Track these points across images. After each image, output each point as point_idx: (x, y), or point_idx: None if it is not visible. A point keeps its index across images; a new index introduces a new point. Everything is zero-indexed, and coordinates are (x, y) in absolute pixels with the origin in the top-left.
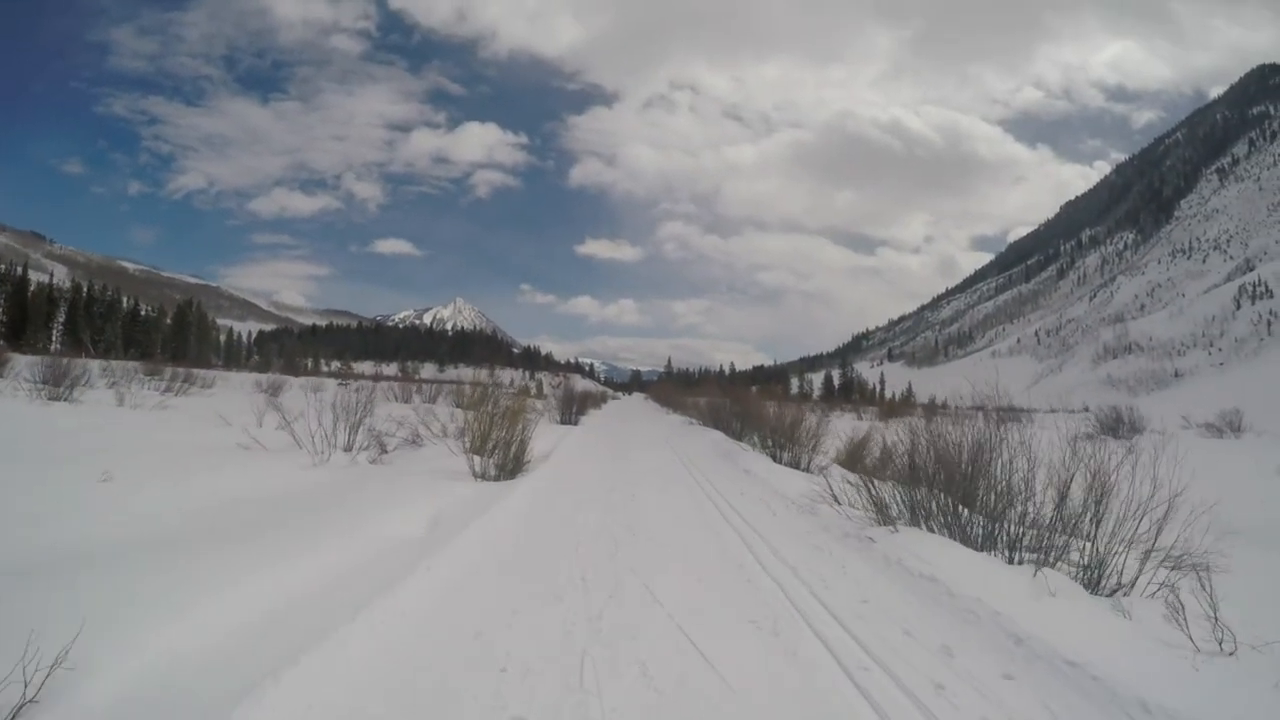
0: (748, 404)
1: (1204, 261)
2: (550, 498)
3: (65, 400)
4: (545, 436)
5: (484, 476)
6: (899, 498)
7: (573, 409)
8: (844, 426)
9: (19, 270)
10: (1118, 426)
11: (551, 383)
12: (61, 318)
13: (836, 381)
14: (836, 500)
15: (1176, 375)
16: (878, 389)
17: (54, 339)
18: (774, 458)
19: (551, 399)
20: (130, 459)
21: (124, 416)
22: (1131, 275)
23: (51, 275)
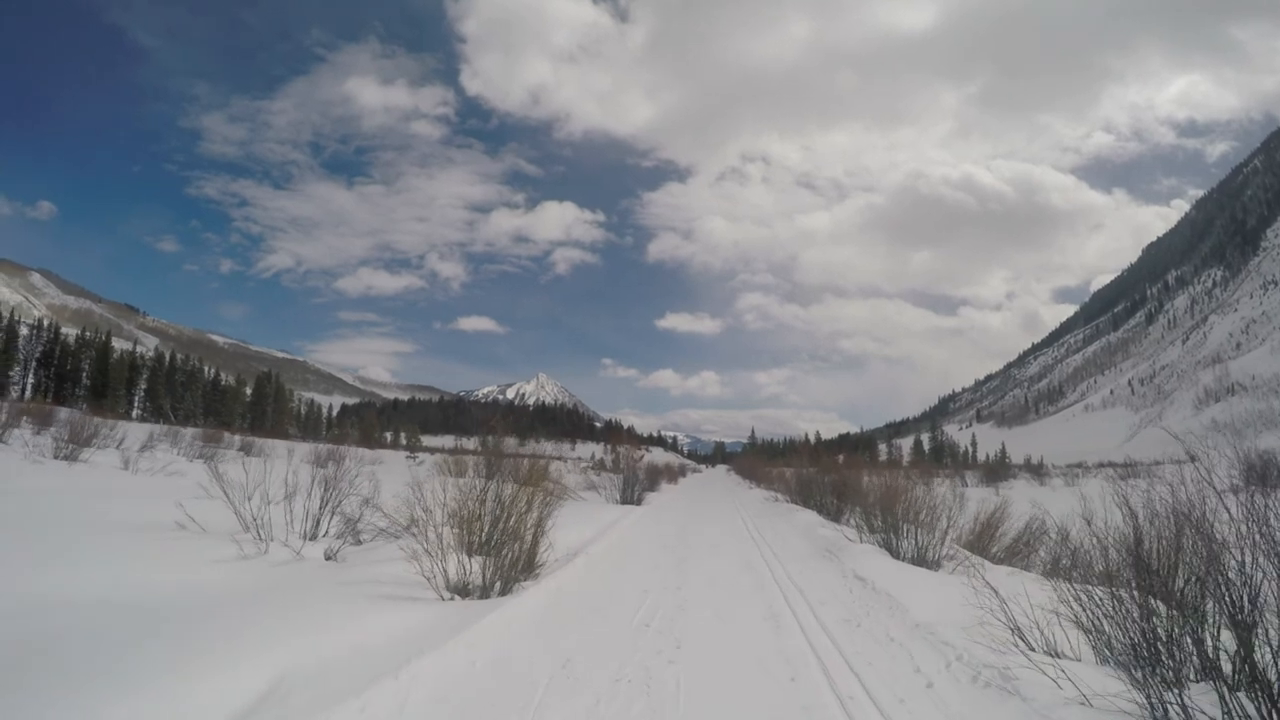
0: (842, 473)
1: None
2: (549, 634)
3: (66, 459)
4: (591, 520)
5: (461, 590)
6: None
7: (634, 487)
8: (947, 494)
9: (102, 337)
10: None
11: (634, 455)
12: (144, 385)
13: (926, 445)
14: (1027, 642)
15: None
16: (969, 451)
17: (135, 404)
18: (889, 549)
19: (608, 475)
20: (33, 535)
21: (110, 480)
22: (1224, 313)
23: (135, 344)
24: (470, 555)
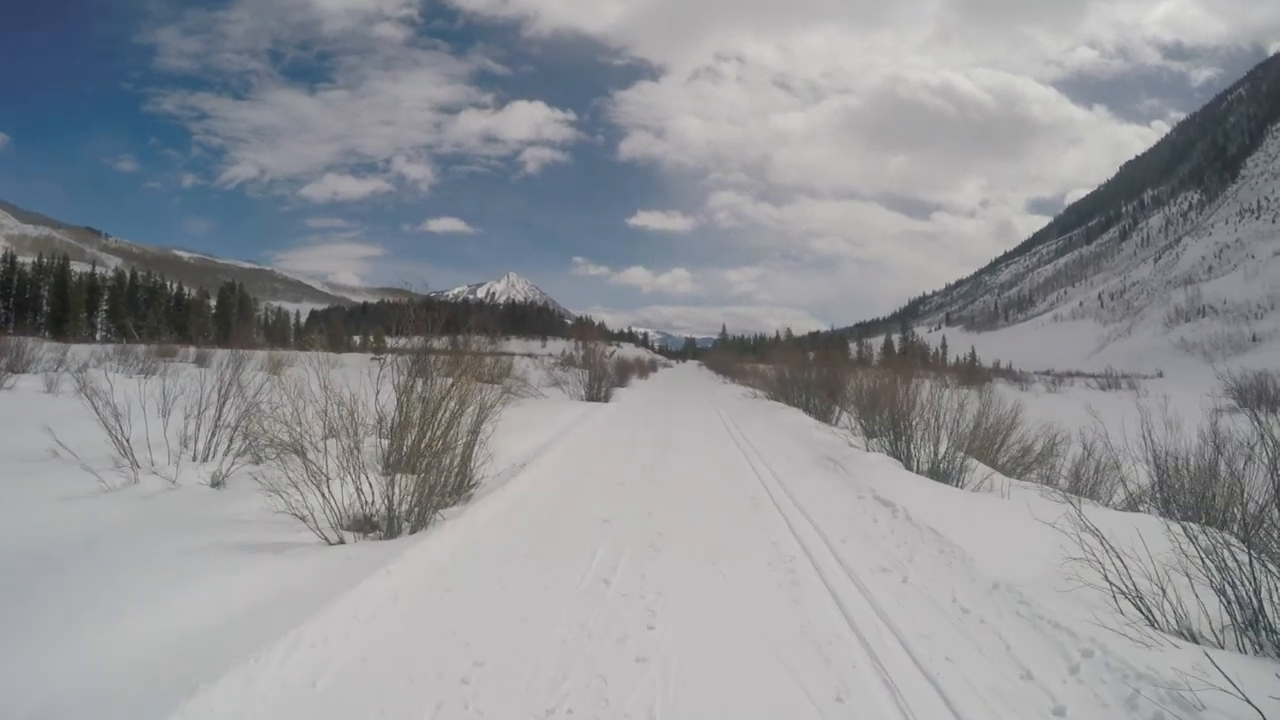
0: (835, 368)
1: (1274, 222)
2: (457, 606)
3: None
4: (550, 421)
5: (362, 526)
6: None
7: (601, 383)
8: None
9: (60, 262)
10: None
11: (603, 350)
12: (105, 307)
13: (897, 346)
14: (1148, 614)
15: (1255, 339)
16: (939, 353)
17: (98, 327)
18: (900, 459)
19: (576, 371)
20: None
21: (18, 405)
22: (1198, 236)
23: (94, 266)
24: (391, 475)
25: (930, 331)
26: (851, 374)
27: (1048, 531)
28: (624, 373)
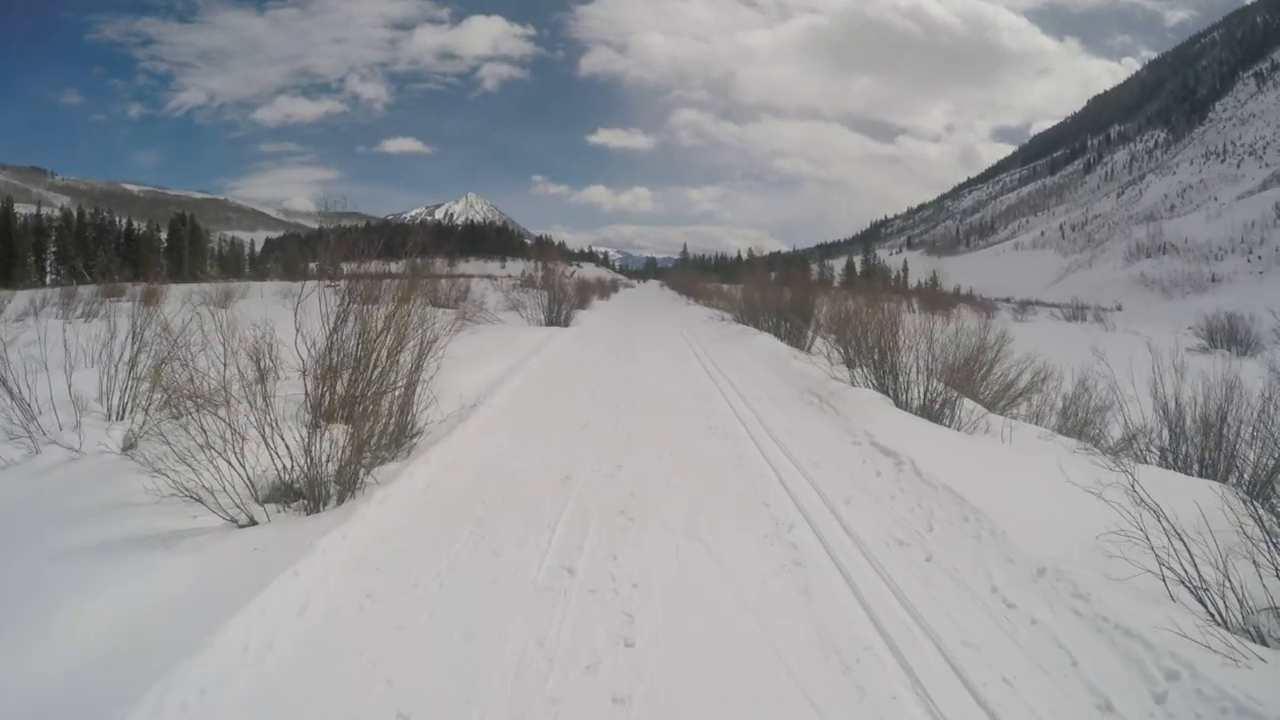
0: (810, 291)
1: (1238, 166)
2: (383, 618)
3: None
4: (507, 350)
5: (282, 495)
6: None
7: (561, 306)
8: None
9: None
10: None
11: (563, 271)
12: (53, 248)
13: (859, 267)
14: (1213, 610)
15: (1214, 280)
16: (901, 276)
17: (47, 269)
18: (886, 393)
19: (536, 293)
20: None
21: None
22: (1162, 174)
23: (39, 207)
24: (317, 428)
25: (891, 255)
26: (825, 297)
27: (1074, 489)
28: (584, 294)
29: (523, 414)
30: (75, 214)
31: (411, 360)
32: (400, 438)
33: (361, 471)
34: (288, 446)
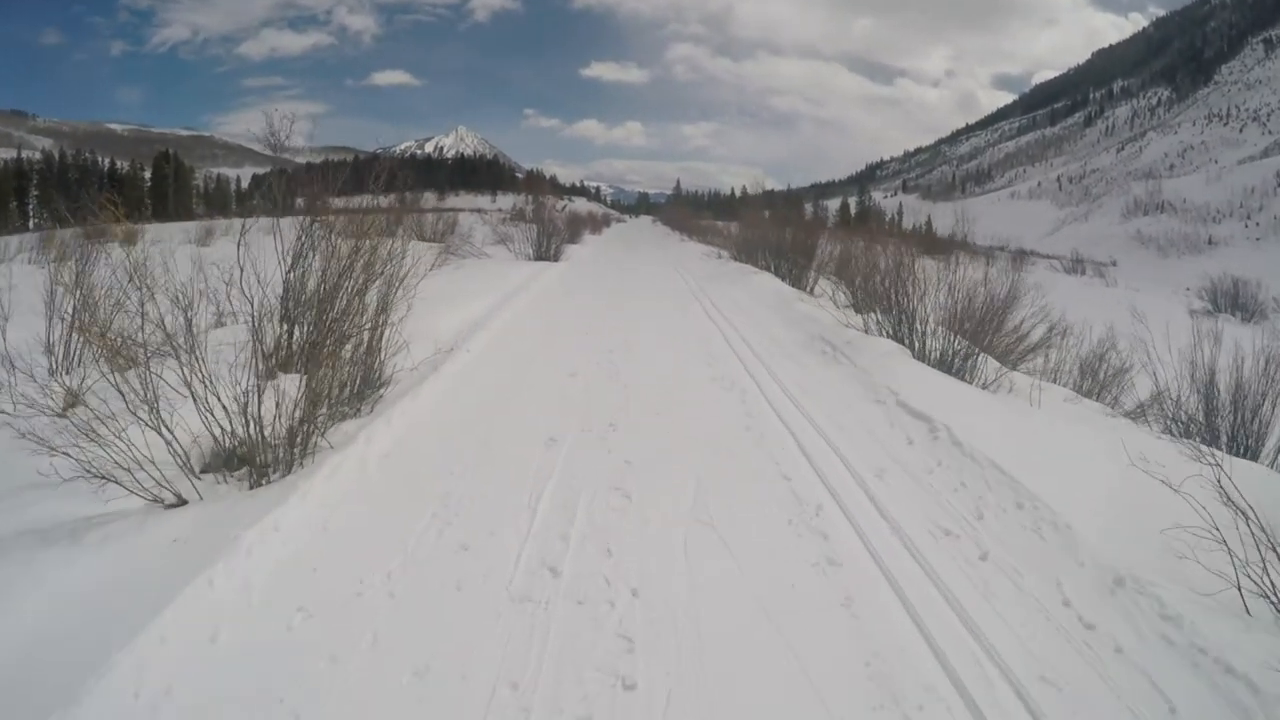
0: (814, 234)
1: (1240, 131)
2: (335, 636)
3: None
4: (491, 287)
5: (223, 463)
6: None
7: (551, 240)
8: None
9: None
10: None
11: (554, 204)
12: (35, 192)
13: (854, 209)
14: None
15: (1210, 242)
16: (895, 219)
17: (30, 214)
18: (908, 346)
19: (525, 227)
20: None
21: None
22: (1163, 133)
23: (19, 151)
24: (267, 381)
25: (887, 197)
26: (827, 237)
27: (1126, 468)
28: (576, 228)
29: (504, 360)
30: (57, 156)
31: (379, 300)
32: (364, 391)
33: (316, 434)
34: (224, 406)
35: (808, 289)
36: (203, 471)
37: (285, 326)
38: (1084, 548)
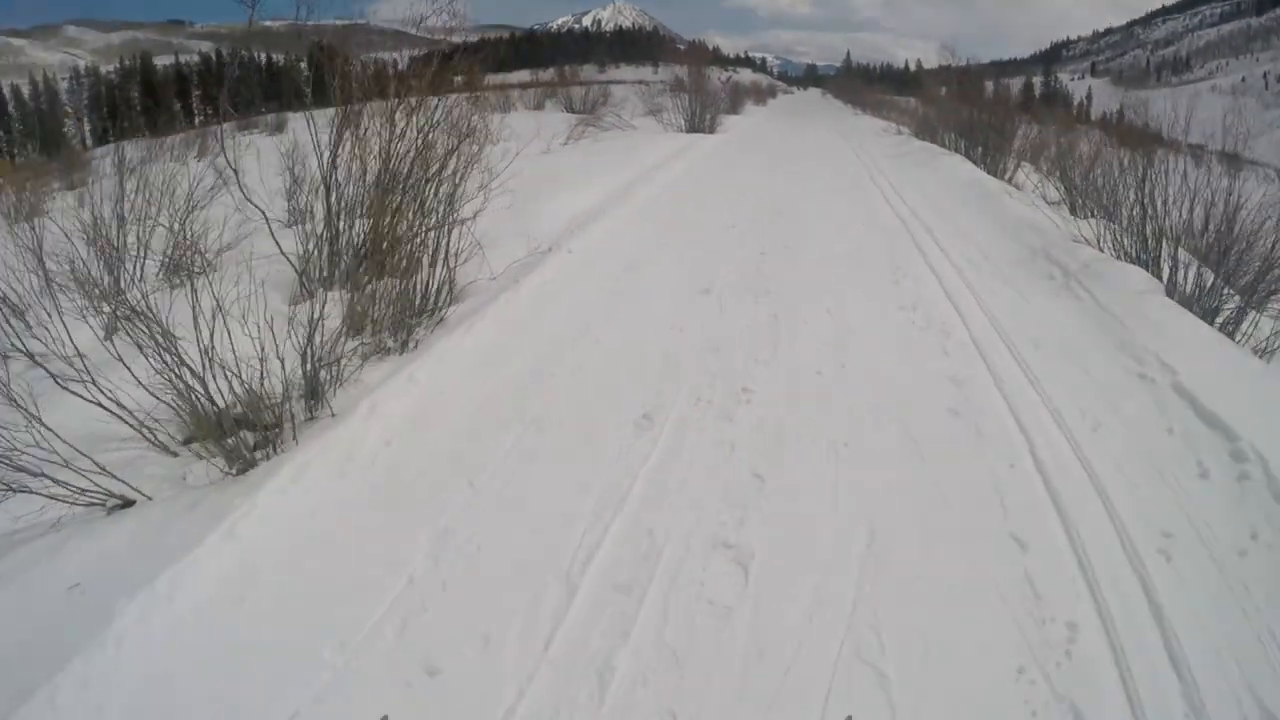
0: (1011, 114)
1: None
2: None
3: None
4: (626, 163)
5: (249, 416)
6: None
7: (706, 110)
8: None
9: (138, 61)
10: None
11: (719, 76)
12: (197, 92)
13: (1038, 90)
14: None
15: None
16: (1084, 105)
17: (195, 113)
18: (1158, 277)
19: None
20: None
21: None
22: None
23: (176, 56)
24: (327, 292)
25: (1073, 80)
26: (1029, 117)
27: None
28: (737, 99)
29: (614, 268)
30: (214, 56)
31: (449, 191)
32: (417, 314)
33: (334, 383)
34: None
35: (1007, 177)
36: (187, 441)
37: (328, 230)
38: None
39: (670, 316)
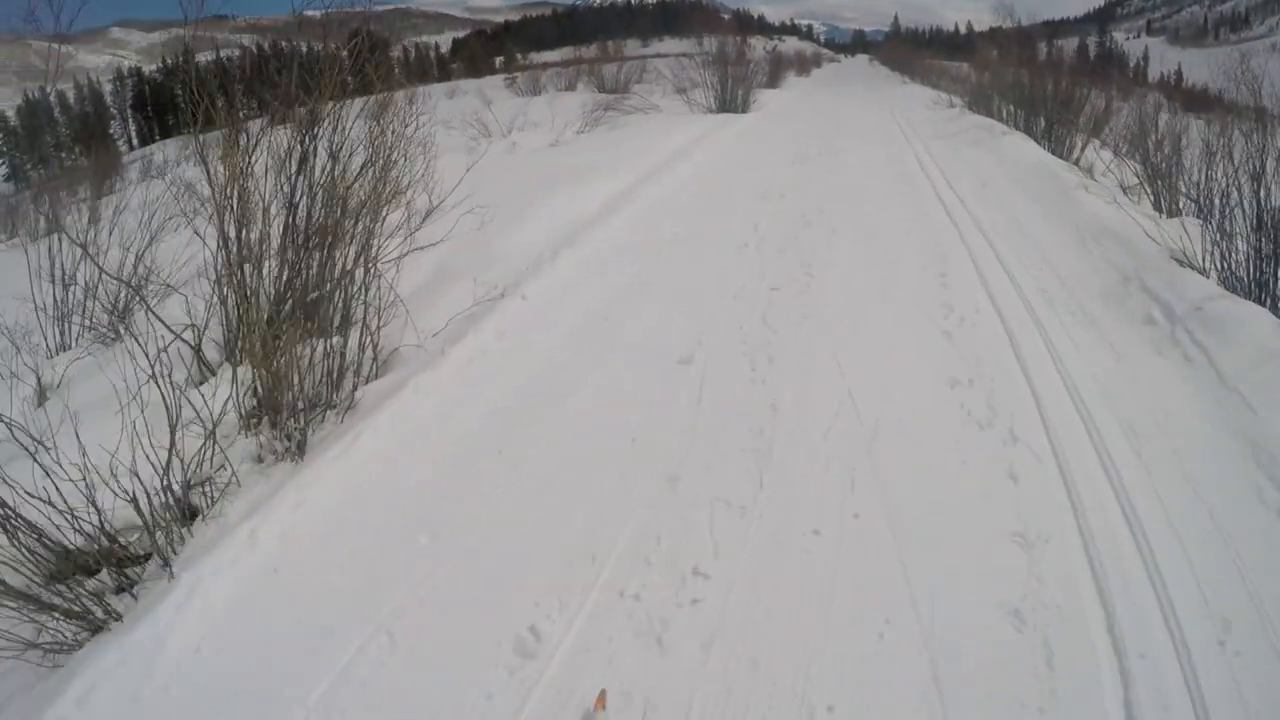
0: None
1: None
2: None
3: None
4: (638, 157)
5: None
6: None
7: (737, 88)
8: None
9: (179, 60)
10: None
11: (765, 47)
12: (240, 85)
13: (1093, 51)
14: None
15: None
16: (1141, 66)
17: (236, 104)
18: None
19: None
20: None
21: None
22: None
23: (217, 51)
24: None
25: (1129, 39)
26: (1099, 86)
27: None
28: (777, 70)
29: (575, 323)
30: (254, 49)
31: (365, 229)
32: (310, 404)
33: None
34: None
35: (1074, 158)
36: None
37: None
38: None
39: (633, 404)
